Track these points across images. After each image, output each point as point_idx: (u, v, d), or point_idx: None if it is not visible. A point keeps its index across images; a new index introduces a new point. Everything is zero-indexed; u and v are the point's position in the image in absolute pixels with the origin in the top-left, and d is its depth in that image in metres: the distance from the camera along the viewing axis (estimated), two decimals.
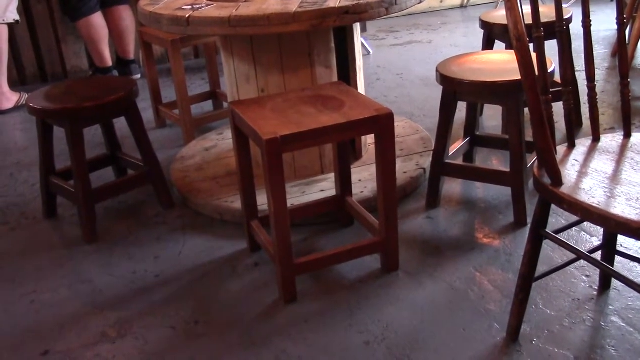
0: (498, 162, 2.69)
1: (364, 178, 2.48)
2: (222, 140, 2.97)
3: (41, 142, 2.41)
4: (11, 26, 3.83)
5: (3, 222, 2.55)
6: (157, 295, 2.02)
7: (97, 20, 3.95)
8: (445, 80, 2.20)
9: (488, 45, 2.90)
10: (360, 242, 2.00)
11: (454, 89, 2.19)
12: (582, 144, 1.61)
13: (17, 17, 3.79)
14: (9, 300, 2.06)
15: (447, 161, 2.31)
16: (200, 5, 2.22)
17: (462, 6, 5.55)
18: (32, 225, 2.51)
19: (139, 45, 3.62)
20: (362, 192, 2.38)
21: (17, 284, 2.14)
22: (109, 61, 4.10)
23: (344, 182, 2.21)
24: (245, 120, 1.88)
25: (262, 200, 2.20)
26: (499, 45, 2.90)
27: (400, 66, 4.11)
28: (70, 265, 2.22)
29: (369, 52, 4.42)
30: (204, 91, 3.55)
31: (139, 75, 4.24)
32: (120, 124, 2.57)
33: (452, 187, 2.51)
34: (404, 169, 2.54)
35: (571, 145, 1.60)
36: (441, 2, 5.46)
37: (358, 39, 2.58)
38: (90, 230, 2.33)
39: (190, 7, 2.20)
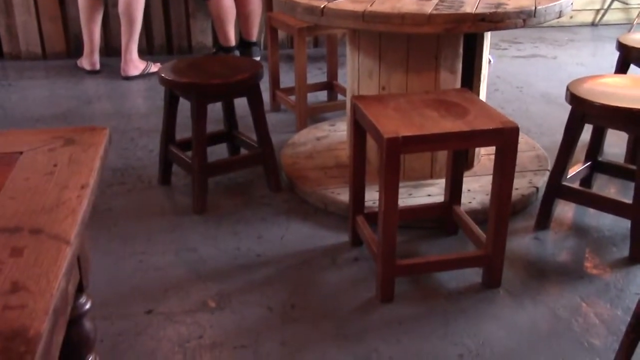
0: (616, 191, 2.57)
1: (473, 189, 2.44)
2: (334, 131, 3.00)
3: (166, 112, 2.52)
4: None
5: (121, 182, 2.69)
6: (257, 274, 2.07)
7: (227, 1, 4.08)
8: (575, 100, 2.12)
9: (622, 68, 2.76)
10: (465, 253, 1.97)
11: (583, 110, 2.11)
12: None
13: None
14: (120, 256, 2.18)
15: (564, 183, 2.22)
16: None
17: (592, 24, 5.31)
18: (146, 190, 2.64)
19: (266, 30, 3.71)
20: (470, 202, 2.33)
21: (129, 243, 2.25)
22: (232, 41, 4.22)
23: (454, 190, 2.18)
24: (367, 116, 1.89)
25: (369, 197, 2.21)
26: (634, 69, 2.76)
27: (521, 79, 3.99)
28: (179, 232, 2.32)
29: (490, 62, 4.31)
30: (321, 81, 3.59)
31: (258, 58, 4.34)
32: (237, 103, 2.64)
33: (564, 210, 2.42)
34: (516, 185, 2.46)
35: None
36: (571, 17, 5.25)
37: (487, 47, 2.53)
38: (201, 201, 2.42)
39: None
